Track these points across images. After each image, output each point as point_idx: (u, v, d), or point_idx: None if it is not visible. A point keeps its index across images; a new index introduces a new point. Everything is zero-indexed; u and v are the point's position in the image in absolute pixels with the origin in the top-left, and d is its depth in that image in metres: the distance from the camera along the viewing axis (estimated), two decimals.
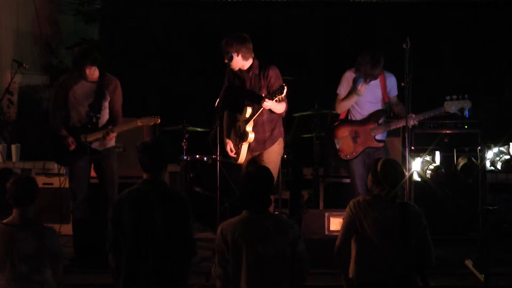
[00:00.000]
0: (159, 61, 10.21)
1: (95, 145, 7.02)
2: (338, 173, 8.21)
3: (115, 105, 7.11)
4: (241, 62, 6.82)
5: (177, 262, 4.86)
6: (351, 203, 5.10)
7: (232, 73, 6.94)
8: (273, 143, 6.93)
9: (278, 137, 6.97)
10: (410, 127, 7.00)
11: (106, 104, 7.07)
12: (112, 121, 7.09)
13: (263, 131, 6.86)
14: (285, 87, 6.50)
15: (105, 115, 7.08)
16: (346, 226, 5.07)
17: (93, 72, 6.98)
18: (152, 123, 7.08)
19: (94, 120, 6.98)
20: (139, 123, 7.01)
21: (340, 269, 5.10)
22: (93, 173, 7.19)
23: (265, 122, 6.86)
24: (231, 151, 6.92)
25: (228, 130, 7.01)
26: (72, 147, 6.96)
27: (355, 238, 5.05)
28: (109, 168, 7.09)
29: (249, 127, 6.80)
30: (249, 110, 6.82)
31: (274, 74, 6.86)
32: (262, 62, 6.92)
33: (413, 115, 6.99)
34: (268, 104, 6.59)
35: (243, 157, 6.88)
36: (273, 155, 6.94)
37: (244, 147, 6.86)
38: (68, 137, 6.97)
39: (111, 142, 7.12)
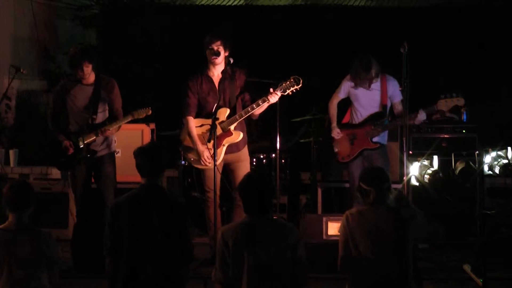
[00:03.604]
0: (157, 65, 10.21)
1: (93, 147, 7.06)
2: (336, 178, 8.19)
3: (114, 104, 7.14)
4: (221, 61, 6.88)
5: (175, 267, 4.85)
6: (344, 216, 5.06)
7: (201, 75, 6.98)
8: (245, 145, 7.06)
9: (246, 139, 7.07)
10: (411, 123, 7.07)
11: (104, 106, 7.11)
12: (112, 120, 7.11)
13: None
14: (301, 79, 6.56)
15: (101, 117, 7.10)
16: (344, 242, 5.03)
17: (90, 72, 7.00)
18: (144, 115, 7.10)
19: (90, 121, 7.02)
20: (132, 117, 7.04)
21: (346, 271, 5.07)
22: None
23: (237, 124, 6.92)
24: (208, 159, 6.88)
25: (196, 136, 6.95)
26: (71, 150, 6.99)
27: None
28: (106, 174, 7.10)
29: (232, 126, 6.85)
30: (227, 111, 6.85)
31: (247, 76, 6.93)
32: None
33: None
34: (276, 97, 6.64)
35: (221, 159, 6.93)
36: (247, 159, 7.08)
37: (224, 148, 6.91)
38: (66, 142, 7.00)
39: (110, 147, 7.15)
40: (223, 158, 6.98)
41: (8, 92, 8.05)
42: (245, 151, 7.09)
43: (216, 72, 6.97)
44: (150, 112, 7.08)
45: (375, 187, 5.01)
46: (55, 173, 8.72)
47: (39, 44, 10.35)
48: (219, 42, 6.86)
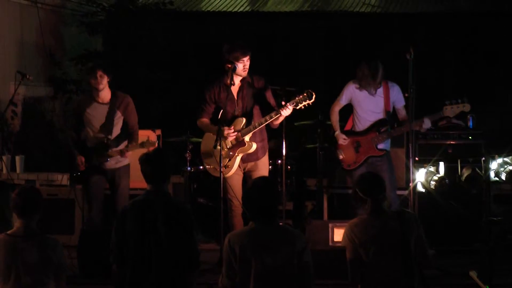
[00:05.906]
0: (162, 71, 10.22)
1: (109, 164, 7.14)
2: (342, 184, 8.19)
3: (129, 121, 7.22)
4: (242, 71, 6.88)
5: (181, 273, 4.84)
6: (348, 227, 5.05)
7: (219, 84, 6.98)
8: (264, 153, 7.01)
9: (267, 147, 7.04)
10: (417, 129, 7.04)
11: (119, 126, 7.18)
12: (129, 137, 7.20)
13: (255, 141, 6.89)
14: (313, 94, 6.54)
15: (115, 135, 7.17)
16: (351, 250, 5.01)
17: (105, 84, 7.07)
18: (151, 148, 6.97)
19: (105, 141, 7.09)
20: (141, 147, 6.97)
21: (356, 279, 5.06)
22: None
23: (257, 132, 6.90)
24: (230, 131, 6.83)
25: (213, 142, 6.88)
26: (82, 168, 7.10)
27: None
28: (123, 185, 7.21)
29: (247, 137, 6.84)
30: (243, 121, 6.85)
31: (266, 82, 6.91)
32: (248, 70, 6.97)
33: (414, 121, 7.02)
34: (289, 111, 6.63)
35: (234, 169, 6.89)
36: (265, 167, 7.02)
37: (238, 158, 6.88)
38: (78, 158, 7.12)
39: (125, 160, 7.23)
40: (243, 166, 7.00)
41: (14, 98, 8.06)
42: (264, 160, 7.06)
43: (236, 81, 6.94)
44: (157, 145, 7.06)
45: (371, 197, 5.02)
46: (61, 179, 8.73)
47: (45, 50, 10.38)
48: (249, 56, 6.85)
